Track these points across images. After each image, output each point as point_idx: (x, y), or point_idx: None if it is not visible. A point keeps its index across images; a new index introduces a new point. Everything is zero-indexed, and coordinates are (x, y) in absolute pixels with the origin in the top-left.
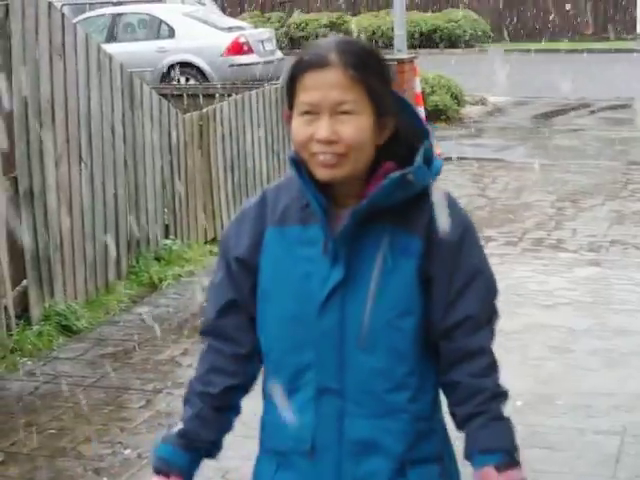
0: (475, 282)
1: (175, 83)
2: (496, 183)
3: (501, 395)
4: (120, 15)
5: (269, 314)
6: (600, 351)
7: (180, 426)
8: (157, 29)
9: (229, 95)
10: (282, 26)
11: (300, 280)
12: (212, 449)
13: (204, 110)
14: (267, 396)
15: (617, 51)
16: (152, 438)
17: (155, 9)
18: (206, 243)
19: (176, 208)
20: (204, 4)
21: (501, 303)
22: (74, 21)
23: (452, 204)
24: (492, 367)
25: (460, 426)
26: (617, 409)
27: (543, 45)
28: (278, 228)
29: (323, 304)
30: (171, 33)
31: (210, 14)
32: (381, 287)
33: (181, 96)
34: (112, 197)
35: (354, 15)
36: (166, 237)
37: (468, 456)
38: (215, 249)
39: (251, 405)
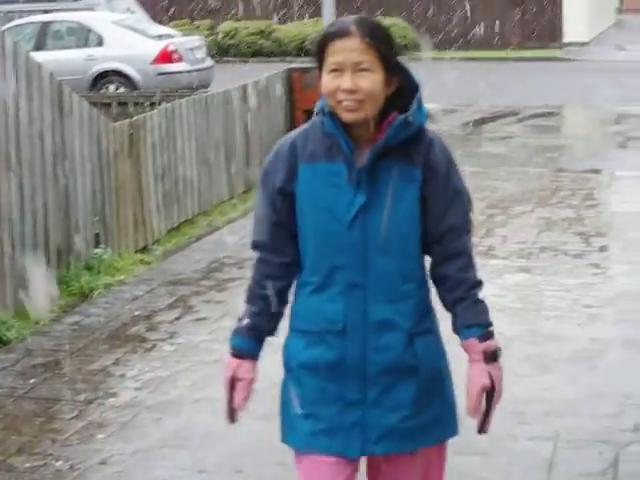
0: (457, 201)
1: (104, 91)
2: None
3: (479, 284)
4: (49, 23)
5: (309, 229)
6: (532, 357)
7: (247, 321)
8: (86, 37)
9: (159, 103)
10: (212, 34)
11: (331, 203)
12: (271, 333)
13: (134, 118)
14: (301, 289)
15: (544, 59)
16: (84, 449)
17: (84, 17)
18: (136, 252)
19: (106, 217)
20: (133, 12)
21: None
22: (2, 29)
23: (439, 142)
24: (472, 264)
25: (448, 308)
26: (549, 415)
27: (472, 53)
28: (308, 164)
29: (351, 222)
30: (100, 41)
31: (140, 22)
32: (393, 207)
33: (110, 104)
34: (42, 206)
35: (283, 23)
36: (97, 246)
37: (456, 330)
38: (145, 258)
39: None
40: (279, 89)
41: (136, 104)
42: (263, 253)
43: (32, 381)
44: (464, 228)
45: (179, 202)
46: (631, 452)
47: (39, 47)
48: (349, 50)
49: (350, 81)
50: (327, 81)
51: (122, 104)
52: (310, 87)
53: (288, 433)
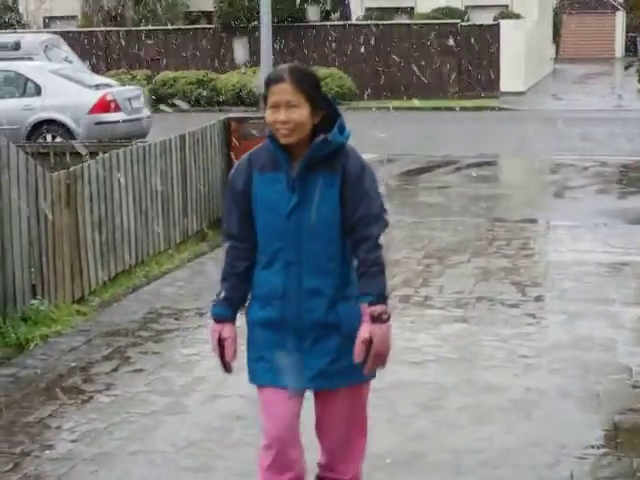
0: (366, 198)
1: (41, 141)
2: None
3: (379, 263)
4: None
5: (259, 222)
6: (468, 407)
7: (224, 294)
8: (23, 86)
9: (96, 153)
10: (149, 84)
11: (274, 202)
12: (243, 303)
13: (71, 169)
14: (257, 265)
15: (481, 109)
16: None
17: (21, 66)
18: (73, 303)
19: (43, 268)
20: (71, 62)
21: None
22: None
23: (355, 155)
24: (376, 247)
25: (358, 279)
26: (486, 465)
27: (409, 103)
28: (260, 174)
29: (288, 216)
30: (37, 90)
31: (77, 72)
32: (319, 205)
33: (48, 154)
34: None
35: (222, 73)
36: (33, 297)
37: (357, 297)
38: (82, 309)
39: None
40: (217, 139)
41: (73, 154)
42: (233, 241)
43: None
44: (372, 219)
45: (116, 252)
46: None
47: None
48: (283, 92)
49: (284, 115)
50: (268, 115)
51: (60, 154)
52: (249, 136)
53: (249, 373)
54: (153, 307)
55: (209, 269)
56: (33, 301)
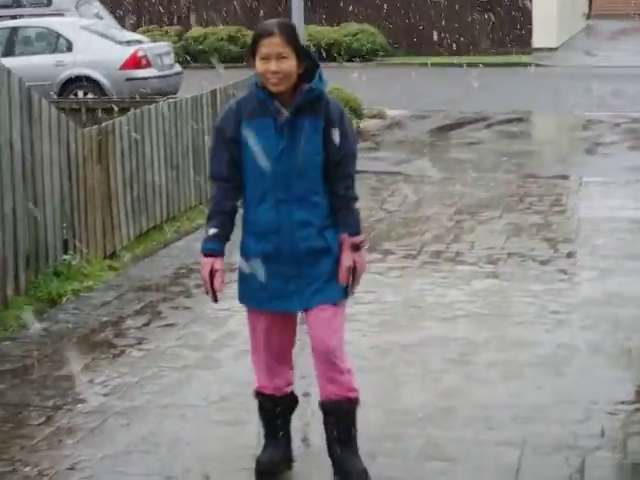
0: (347, 137)
1: (73, 97)
2: (394, 196)
3: (356, 198)
4: (18, 29)
5: (249, 164)
6: (499, 363)
7: (214, 231)
8: (55, 43)
9: (128, 109)
10: (180, 40)
11: (264, 146)
12: (228, 238)
13: (103, 124)
14: (247, 205)
15: (513, 65)
16: (53, 455)
17: (53, 23)
18: (105, 258)
19: (75, 223)
20: (102, 18)
21: (401, 316)
22: None
23: (335, 101)
24: (353, 184)
25: (335, 213)
26: (516, 421)
27: (441, 59)
28: (248, 121)
29: (277, 158)
30: (69, 47)
31: (109, 28)
32: (305, 148)
33: (79, 110)
34: (10, 211)
35: (253, 29)
36: (65, 252)
37: (338, 228)
38: (114, 264)
39: None
40: None
41: (105, 110)
42: (221, 182)
43: (1, 387)
44: (351, 158)
45: (147, 208)
46: (598, 458)
47: (8, 53)
48: (273, 45)
49: (275, 65)
50: (259, 65)
51: (91, 110)
52: None
53: (250, 299)
54: (184, 262)
55: (240, 224)
56: (65, 256)
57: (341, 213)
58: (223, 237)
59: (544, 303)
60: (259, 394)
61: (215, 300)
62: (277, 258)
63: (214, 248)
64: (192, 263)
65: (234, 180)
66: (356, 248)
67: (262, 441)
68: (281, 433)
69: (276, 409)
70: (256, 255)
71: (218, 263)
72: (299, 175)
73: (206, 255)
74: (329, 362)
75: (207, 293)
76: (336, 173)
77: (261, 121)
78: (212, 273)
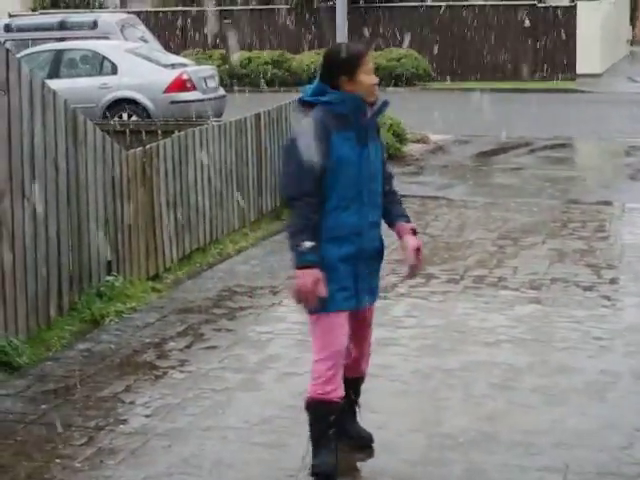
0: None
1: (118, 119)
2: (438, 221)
3: (397, 191)
4: (63, 51)
5: (338, 174)
6: (541, 388)
7: (310, 244)
8: (100, 65)
9: (172, 132)
10: (224, 63)
11: (350, 155)
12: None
13: (147, 147)
14: (332, 212)
15: (557, 91)
16: (94, 476)
17: (98, 45)
18: (148, 279)
19: (119, 244)
20: (147, 41)
21: (443, 340)
22: (18, 56)
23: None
24: (393, 179)
25: (387, 207)
26: (558, 446)
27: (484, 84)
28: (338, 133)
29: (360, 165)
30: (114, 69)
31: (153, 51)
32: (375, 153)
33: (124, 132)
34: (55, 233)
35: (296, 53)
36: (108, 273)
37: (391, 222)
38: (157, 286)
39: None
40: (292, 117)
41: (149, 132)
42: (309, 198)
43: (43, 407)
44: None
45: (191, 230)
46: None
47: (53, 75)
48: (371, 61)
49: (375, 78)
50: (366, 79)
51: (135, 132)
52: None
53: (328, 305)
54: (227, 285)
55: (283, 247)
56: (108, 277)
57: (394, 207)
58: (317, 249)
59: (587, 329)
60: (330, 402)
61: (314, 307)
62: (355, 259)
63: (314, 260)
64: (234, 285)
65: (318, 194)
66: (415, 233)
67: (314, 450)
68: (335, 436)
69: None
70: (339, 258)
71: (318, 272)
72: (374, 179)
73: (306, 267)
74: (367, 354)
75: (301, 302)
76: (385, 174)
77: (346, 133)
78: (318, 282)
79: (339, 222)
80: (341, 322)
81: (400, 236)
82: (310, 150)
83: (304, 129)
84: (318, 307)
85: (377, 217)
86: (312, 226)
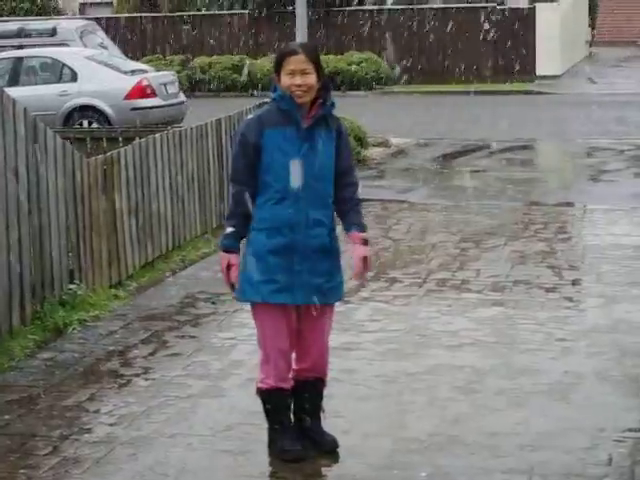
0: (349, 150)
1: (78, 127)
2: (400, 224)
3: (360, 200)
4: (22, 59)
5: (272, 167)
6: (505, 391)
7: (232, 229)
8: (60, 72)
9: (132, 139)
10: (184, 69)
11: (288, 151)
12: (245, 236)
13: (108, 154)
14: (264, 204)
15: (517, 93)
16: None
17: (58, 53)
18: (111, 287)
19: (81, 252)
20: (106, 48)
21: (407, 344)
22: None
23: (339, 119)
24: (357, 189)
25: (342, 214)
26: (523, 448)
27: (444, 87)
28: (272, 129)
29: (300, 161)
30: (74, 76)
31: (112, 57)
32: (322, 153)
33: (84, 140)
34: (16, 242)
35: (255, 59)
36: (71, 282)
37: (345, 230)
38: (119, 293)
39: None
40: None
41: (110, 139)
42: (240, 186)
43: (6, 417)
44: (353, 168)
45: (153, 237)
46: None
47: (13, 83)
48: (299, 62)
49: (300, 79)
50: (285, 80)
51: (96, 139)
52: None
53: (252, 294)
54: (190, 291)
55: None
56: (71, 286)
57: (350, 214)
58: (240, 235)
59: (550, 331)
60: (265, 391)
61: (232, 289)
62: (287, 252)
63: (231, 245)
64: (198, 292)
65: (251, 185)
66: (366, 243)
67: (276, 436)
68: (293, 421)
69: (289, 401)
70: (268, 249)
71: (234, 259)
72: (317, 177)
73: (225, 251)
74: (321, 355)
75: (227, 284)
76: (344, 180)
77: (284, 129)
78: (229, 267)
79: (272, 214)
80: (276, 316)
81: (351, 245)
82: (239, 145)
83: (241, 125)
84: (243, 293)
85: (322, 216)
86: (239, 213)
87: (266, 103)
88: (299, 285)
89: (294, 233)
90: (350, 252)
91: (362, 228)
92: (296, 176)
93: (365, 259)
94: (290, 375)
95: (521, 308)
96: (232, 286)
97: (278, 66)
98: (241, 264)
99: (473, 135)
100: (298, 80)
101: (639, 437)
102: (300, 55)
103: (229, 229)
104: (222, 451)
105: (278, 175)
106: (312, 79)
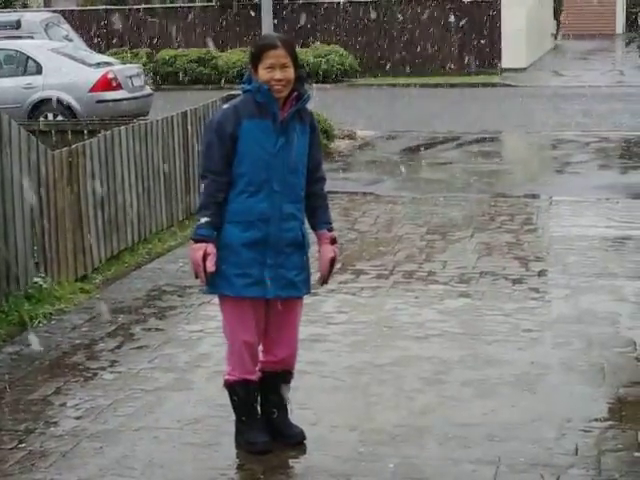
0: (319, 148)
1: (43, 119)
2: (366, 217)
3: (327, 195)
4: None
5: (249, 158)
6: (472, 382)
7: (207, 219)
8: (24, 65)
9: (98, 131)
10: (150, 61)
11: (263, 142)
12: (219, 226)
13: (73, 146)
14: (239, 196)
15: (483, 85)
16: (25, 479)
17: (22, 45)
18: (76, 280)
19: (46, 245)
20: (72, 40)
21: (374, 336)
22: None
23: (312, 113)
24: (325, 184)
25: (310, 211)
26: (490, 439)
27: (410, 80)
28: (249, 120)
29: (275, 154)
30: (39, 69)
31: (78, 50)
32: (297, 146)
33: (49, 132)
34: None
35: (222, 51)
36: (36, 275)
37: (314, 225)
38: (85, 286)
39: None
40: None
41: (75, 132)
42: (215, 176)
43: None
44: (321, 164)
45: (119, 230)
46: (572, 475)
47: None
48: (278, 56)
49: (280, 74)
50: (264, 74)
51: (61, 132)
52: None
53: (225, 287)
54: (156, 284)
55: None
56: (36, 279)
57: (320, 210)
58: (216, 224)
59: (516, 321)
60: (231, 383)
61: (207, 282)
62: (260, 246)
63: (207, 234)
64: (164, 285)
65: (226, 175)
66: (334, 242)
67: (242, 428)
68: (260, 414)
69: (256, 393)
70: (242, 242)
71: (211, 247)
72: (292, 170)
73: (198, 241)
74: (290, 347)
75: (196, 277)
76: (315, 175)
77: (260, 121)
78: (204, 257)
79: (246, 207)
80: (246, 309)
81: (319, 244)
82: (215, 134)
83: (217, 114)
84: (215, 286)
85: (295, 210)
86: (214, 203)
87: (233, 96)
88: (271, 279)
89: (268, 227)
90: (318, 251)
91: (330, 225)
92: (271, 170)
93: (332, 260)
94: (257, 367)
95: (488, 299)
96: (206, 277)
97: (256, 59)
98: None
99: (439, 127)
100: (278, 75)
101: (605, 427)
102: (280, 49)
103: (203, 219)
104: (189, 444)
105: (253, 167)
106: (291, 73)
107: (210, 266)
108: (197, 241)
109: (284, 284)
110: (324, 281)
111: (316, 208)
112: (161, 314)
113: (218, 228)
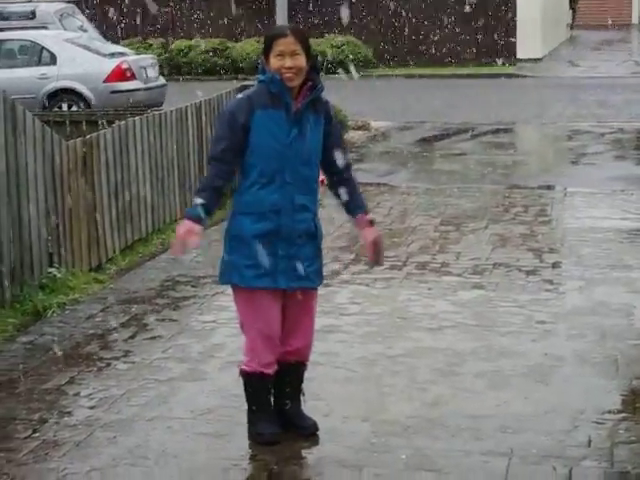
0: (340, 135)
1: (57, 110)
2: (380, 207)
3: (356, 180)
4: (1, 41)
5: (261, 149)
6: (485, 373)
7: (202, 200)
8: (39, 55)
9: (112, 122)
10: (165, 52)
11: (276, 133)
12: (213, 212)
13: (87, 137)
14: (249, 187)
15: (498, 76)
16: (39, 468)
17: (37, 36)
18: (90, 271)
19: (60, 236)
20: (86, 30)
21: (387, 327)
22: None
23: (328, 102)
24: (352, 168)
25: (347, 196)
26: (503, 431)
27: (425, 70)
28: (262, 110)
29: (288, 144)
30: (53, 59)
31: (92, 40)
32: (311, 137)
33: (64, 123)
34: None
35: (236, 42)
36: (50, 265)
37: (350, 213)
38: (99, 277)
39: None
40: None
41: (89, 122)
42: (219, 163)
43: None
44: (346, 150)
45: (133, 220)
46: (585, 467)
47: None
48: (288, 44)
49: (290, 62)
50: (274, 62)
51: (75, 122)
52: None
53: (236, 277)
54: (170, 275)
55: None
56: (50, 269)
57: (353, 197)
58: (209, 209)
59: (530, 313)
60: (249, 374)
61: (180, 253)
62: (272, 237)
63: (200, 216)
64: (178, 275)
65: (232, 164)
66: (372, 224)
67: (253, 419)
68: (273, 405)
69: (270, 386)
70: (253, 233)
71: (199, 228)
72: (305, 162)
73: (190, 219)
74: (306, 339)
75: (171, 247)
76: (339, 161)
77: (274, 111)
78: (189, 233)
79: (257, 198)
80: (259, 300)
81: (359, 229)
82: (227, 124)
83: (231, 104)
84: (226, 276)
85: (307, 201)
86: (211, 187)
87: (246, 87)
88: (282, 270)
89: (280, 218)
90: (360, 237)
91: (366, 210)
92: (284, 160)
93: (376, 242)
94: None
95: (501, 291)
96: (182, 248)
97: (267, 48)
98: (224, 247)
99: (454, 118)
100: (288, 62)
101: (619, 419)
102: (289, 37)
103: (199, 200)
104: (202, 434)
105: (265, 158)
106: (302, 61)
107: (191, 243)
108: (190, 219)
109: (296, 275)
110: (377, 262)
111: (348, 194)
112: (175, 304)
113: (210, 213)
